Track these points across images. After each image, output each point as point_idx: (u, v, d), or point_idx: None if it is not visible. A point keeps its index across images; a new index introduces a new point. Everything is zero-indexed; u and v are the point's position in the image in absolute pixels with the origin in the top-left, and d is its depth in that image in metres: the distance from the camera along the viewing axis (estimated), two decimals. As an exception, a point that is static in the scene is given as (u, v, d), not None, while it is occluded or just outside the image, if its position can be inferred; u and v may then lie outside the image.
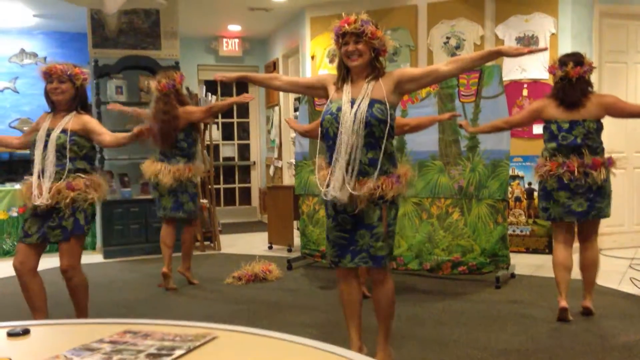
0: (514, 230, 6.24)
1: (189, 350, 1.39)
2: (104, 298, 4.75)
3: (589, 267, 3.93)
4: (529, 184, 6.24)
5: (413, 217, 5.08)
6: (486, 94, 4.84)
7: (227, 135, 9.97)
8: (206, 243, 7.11)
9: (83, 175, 3.46)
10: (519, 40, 6.29)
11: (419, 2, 6.84)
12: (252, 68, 9.69)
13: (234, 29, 8.83)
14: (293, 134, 7.07)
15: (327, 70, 7.10)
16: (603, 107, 3.78)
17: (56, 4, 6.36)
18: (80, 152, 3.49)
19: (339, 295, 3.08)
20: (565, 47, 6.08)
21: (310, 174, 3.04)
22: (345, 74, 2.87)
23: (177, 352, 1.36)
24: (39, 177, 3.41)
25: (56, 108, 3.57)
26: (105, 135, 3.52)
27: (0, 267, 5.92)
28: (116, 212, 6.55)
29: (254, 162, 10.07)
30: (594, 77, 6.15)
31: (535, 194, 6.12)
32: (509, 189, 5.94)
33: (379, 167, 2.74)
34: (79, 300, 3.60)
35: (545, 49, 2.83)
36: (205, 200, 7.12)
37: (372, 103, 2.73)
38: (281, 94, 8.72)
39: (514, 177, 6.26)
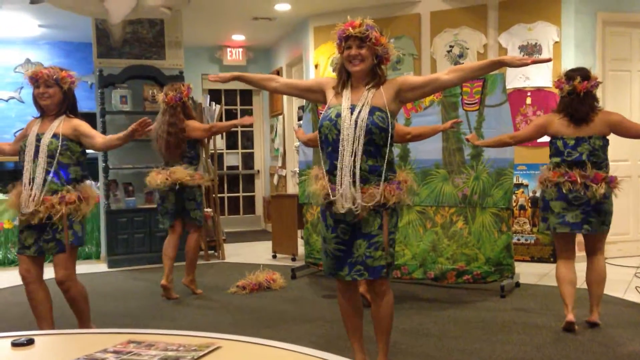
0: (518, 239, 6.23)
1: (193, 361, 1.39)
2: (107, 307, 4.75)
3: (595, 282, 3.90)
4: (534, 192, 6.23)
5: (417, 225, 5.07)
6: (490, 103, 4.84)
7: (231, 144, 9.99)
8: (210, 252, 7.11)
9: (72, 189, 3.42)
10: (522, 48, 6.29)
11: (422, 11, 6.86)
12: (256, 77, 9.70)
13: (238, 38, 8.87)
14: (297, 143, 7.08)
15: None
16: (609, 125, 3.78)
17: (61, 14, 6.40)
18: (73, 157, 3.45)
19: (339, 308, 3.03)
20: (569, 55, 6.09)
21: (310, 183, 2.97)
22: (345, 79, 2.82)
23: (181, 362, 1.36)
24: (29, 183, 3.36)
25: (45, 113, 3.51)
26: (97, 137, 3.48)
27: (5, 276, 5.93)
28: (120, 221, 6.55)
29: (258, 171, 10.08)
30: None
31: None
32: (513, 197, 5.94)
33: (383, 175, 2.70)
34: (80, 311, 3.57)
35: (549, 60, 2.78)
36: (209, 209, 7.12)
37: (372, 110, 2.69)
38: (285, 102, 8.74)
39: (518, 186, 6.25)
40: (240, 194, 10.09)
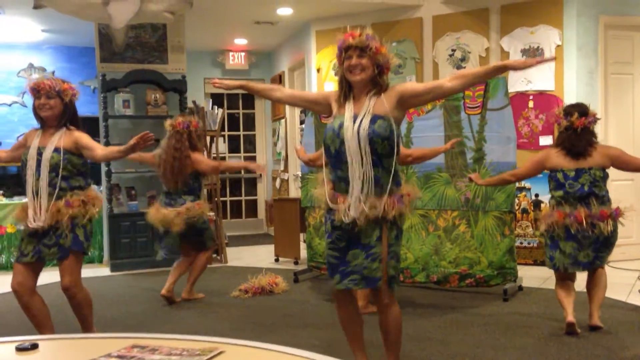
0: (521, 243, 6.22)
1: (196, 365, 1.39)
2: (111, 312, 4.75)
3: (596, 288, 3.91)
4: (536, 195, 6.22)
5: (419, 229, 5.07)
6: (492, 106, 4.84)
7: (234, 148, 10.00)
8: (213, 256, 7.11)
9: (79, 192, 3.43)
10: (524, 52, 6.30)
11: (424, 15, 6.87)
12: (258, 81, 9.71)
13: (240, 42, 8.89)
14: (299, 146, 7.08)
15: (332, 83, 7.12)
16: (608, 158, 3.80)
17: (64, 19, 6.42)
18: (74, 170, 3.45)
19: (337, 316, 2.98)
20: (571, 59, 6.09)
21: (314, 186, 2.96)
22: (347, 90, 2.79)
23: (185, 367, 1.37)
24: (33, 198, 3.36)
25: (45, 124, 3.50)
26: (97, 149, 3.46)
27: (8, 281, 5.93)
28: (123, 225, 6.56)
29: (260, 175, 10.08)
30: (600, 89, 6.19)
31: (543, 205, 6.11)
32: (516, 200, 5.94)
33: (388, 186, 2.67)
34: (84, 316, 3.56)
35: (553, 59, 2.79)
36: (211, 213, 7.13)
37: (374, 119, 2.67)
38: (287, 106, 8.75)
39: (521, 189, 6.24)
40: (243, 198, 10.10)
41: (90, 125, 7.46)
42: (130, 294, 5.41)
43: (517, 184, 5.44)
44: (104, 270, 6.58)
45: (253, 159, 10.09)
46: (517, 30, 6.35)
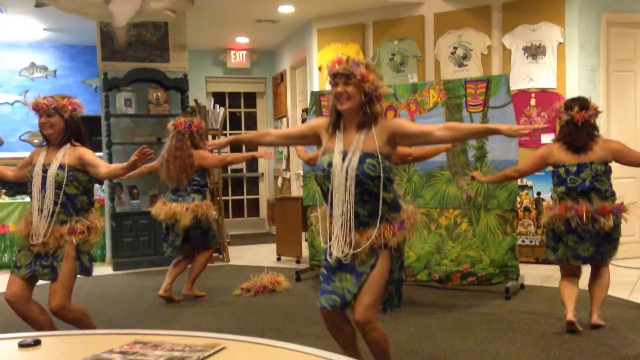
0: (523, 241, 6.22)
1: (199, 361, 1.39)
2: (113, 310, 4.76)
3: (598, 289, 3.91)
4: (538, 193, 6.22)
5: (421, 227, 5.07)
6: (494, 104, 4.84)
7: (235, 147, 9.99)
8: (215, 255, 7.11)
9: (84, 218, 3.41)
10: (526, 50, 6.29)
11: (425, 13, 6.86)
12: (259, 79, 9.75)
13: (242, 41, 8.89)
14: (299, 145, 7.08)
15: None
16: (610, 152, 3.79)
17: (66, 18, 6.42)
18: (80, 187, 3.42)
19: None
20: (573, 56, 6.09)
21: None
22: (335, 119, 2.70)
23: (187, 363, 1.37)
24: (38, 215, 3.33)
25: (49, 141, 3.48)
26: (102, 167, 3.43)
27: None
28: (125, 224, 6.57)
29: (262, 174, 10.09)
30: (602, 86, 6.18)
31: (545, 203, 6.10)
32: (518, 198, 5.93)
33: (379, 218, 2.60)
34: (82, 327, 3.47)
35: (546, 127, 2.86)
36: (214, 212, 7.12)
37: (363, 158, 2.58)
38: (289, 105, 8.76)
39: (523, 187, 6.23)
40: (245, 197, 10.10)
41: (91, 124, 7.49)
42: (132, 293, 5.42)
43: (519, 182, 5.43)
44: (106, 269, 6.59)
45: (254, 158, 10.08)
46: (518, 27, 6.34)
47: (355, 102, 2.61)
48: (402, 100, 5.11)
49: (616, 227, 3.77)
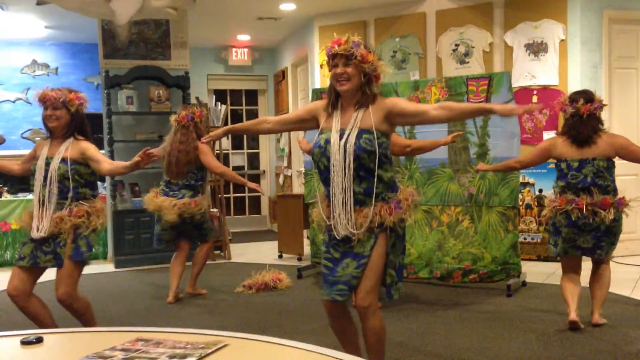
0: (525, 238, 6.21)
1: (201, 358, 1.39)
2: (115, 308, 4.77)
3: (599, 287, 3.91)
4: (540, 191, 6.21)
5: (423, 225, 5.07)
6: (495, 101, 4.83)
7: (237, 144, 10.01)
8: (216, 252, 7.12)
9: (85, 203, 3.41)
10: (528, 47, 6.28)
11: (427, 10, 6.85)
12: (261, 77, 9.74)
13: (243, 38, 8.88)
14: (301, 137, 7.10)
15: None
16: (613, 148, 3.76)
17: (67, 16, 6.43)
18: (82, 180, 3.44)
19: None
20: (575, 53, 6.08)
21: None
22: (334, 100, 2.71)
23: (189, 360, 1.37)
24: (39, 207, 3.35)
25: (53, 134, 3.48)
26: (104, 163, 3.43)
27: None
28: (127, 222, 6.58)
29: (264, 171, 10.09)
30: (604, 83, 6.17)
31: (547, 201, 6.08)
32: (520, 196, 5.92)
33: (381, 194, 2.61)
34: (86, 321, 3.52)
35: (540, 107, 2.79)
36: (215, 210, 7.14)
37: (360, 133, 2.59)
38: (290, 102, 8.76)
39: (525, 184, 6.23)
40: (246, 194, 10.11)
41: (93, 122, 7.48)
42: (134, 290, 5.43)
43: (520, 180, 5.43)
44: (108, 267, 6.60)
45: (256, 155, 10.10)
46: (520, 24, 6.33)
47: (355, 83, 2.63)
48: (404, 98, 5.10)
49: (616, 222, 3.76)
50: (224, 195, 7.55)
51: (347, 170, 2.59)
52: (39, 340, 1.57)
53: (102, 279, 5.94)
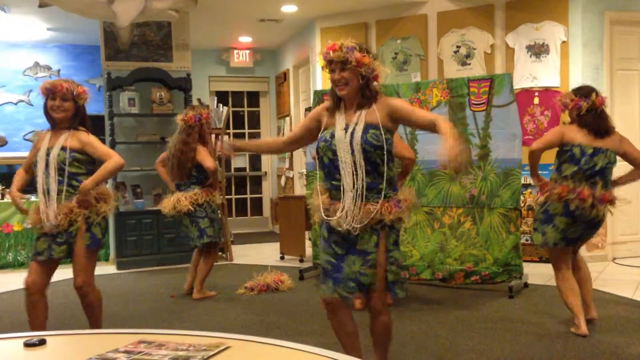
0: (526, 240, 6.20)
1: (203, 360, 1.40)
2: (117, 309, 4.77)
3: (584, 280, 3.93)
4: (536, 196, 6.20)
5: (425, 226, 5.07)
6: (497, 103, 4.83)
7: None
8: (219, 253, 7.12)
9: (91, 191, 3.44)
10: (529, 48, 6.28)
11: (428, 11, 6.85)
12: (262, 79, 9.75)
13: (245, 40, 8.89)
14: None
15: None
16: (622, 148, 3.77)
17: (69, 18, 6.44)
18: (82, 167, 3.47)
19: (331, 326, 2.88)
20: (576, 55, 6.07)
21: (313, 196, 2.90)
22: (337, 101, 2.74)
23: (191, 362, 1.37)
24: (44, 197, 3.38)
25: (56, 125, 3.50)
26: (102, 154, 3.49)
27: (15, 278, 5.96)
28: (129, 223, 6.58)
29: (266, 173, 10.10)
30: (605, 85, 6.17)
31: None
32: (521, 197, 5.92)
33: (382, 192, 2.64)
34: (95, 316, 3.57)
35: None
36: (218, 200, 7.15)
37: (366, 128, 2.62)
38: (292, 104, 8.76)
39: (526, 186, 6.22)
40: (248, 196, 10.11)
41: (95, 124, 7.48)
42: (136, 292, 5.43)
43: (522, 181, 5.42)
44: (110, 268, 6.60)
45: (258, 157, 10.10)
46: (522, 26, 6.33)
47: (353, 87, 2.67)
48: (405, 99, 5.11)
49: (604, 217, 3.78)
50: (226, 196, 7.55)
51: (357, 164, 2.62)
52: (42, 342, 1.57)
53: (104, 280, 5.93)
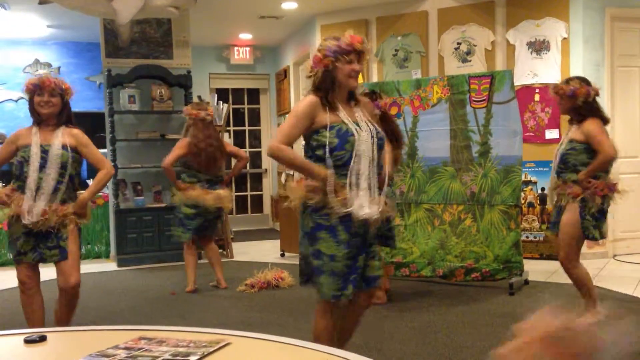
0: (527, 237, 6.21)
1: (203, 356, 1.40)
2: (117, 306, 4.78)
3: None
4: (542, 189, 6.20)
5: (425, 223, 5.07)
6: (497, 99, 4.83)
7: (239, 143, 10.00)
8: (219, 251, 7.13)
9: (73, 193, 3.47)
10: (530, 45, 6.27)
11: (429, 8, 6.85)
12: (263, 76, 9.74)
13: (245, 37, 8.88)
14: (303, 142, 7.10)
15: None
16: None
17: (69, 15, 6.43)
18: (78, 167, 3.50)
19: (321, 331, 2.78)
20: (577, 52, 6.07)
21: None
22: (329, 94, 2.67)
23: (192, 358, 1.38)
24: (34, 195, 3.33)
25: (42, 122, 3.45)
26: (96, 159, 3.54)
27: (14, 275, 5.96)
28: (129, 221, 6.58)
29: (266, 170, 10.10)
30: (606, 81, 6.16)
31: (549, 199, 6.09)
32: (522, 194, 5.92)
33: (384, 186, 2.75)
34: (70, 315, 3.53)
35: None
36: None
37: (374, 126, 2.74)
38: (292, 101, 8.76)
39: (527, 183, 6.22)
40: (248, 193, 10.11)
41: (95, 121, 7.50)
42: (136, 289, 5.44)
43: (523, 178, 5.42)
44: (110, 265, 6.61)
45: (258, 154, 10.10)
46: (523, 23, 6.32)
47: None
48: (406, 97, 5.11)
49: None
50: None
51: (373, 160, 2.66)
52: (43, 338, 1.57)
53: (104, 277, 5.95)
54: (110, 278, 5.94)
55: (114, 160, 6.56)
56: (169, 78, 6.77)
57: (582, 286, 3.80)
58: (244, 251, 7.38)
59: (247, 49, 9.33)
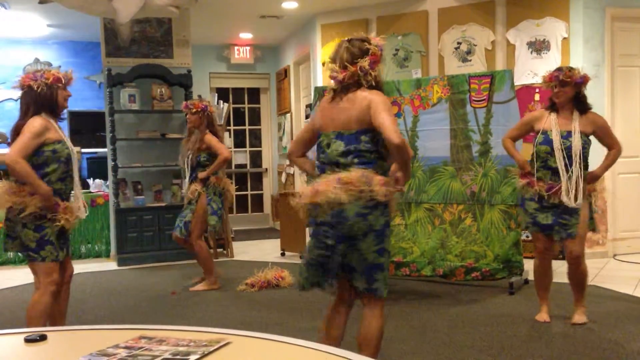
0: (527, 236, 6.19)
1: (204, 355, 1.40)
2: (118, 305, 4.78)
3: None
4: (542, 189, 6.19)
5: (425, 223, 5.07)
6: (497, 99, 4.83)
7: (239, 142, 10.01)
8: (219, 250, 7.13)
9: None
10: (530, 45, 6.27)
11: (429, 8, 6.84)
12: (263, 75, 9.74)
13: (246, 36, 8.88)
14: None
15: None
16: None
17: (70, 14, 6.43)
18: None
19: (380, 329, 2.81)
20: (577, 51, 6.06)
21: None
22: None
23: (192, 357, 1.38)
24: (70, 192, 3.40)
25: (57, 117, 3.38)
26: None
27: (17, 274, 5.97)
28: (130, 220, 6.59)
29: (266, 169, 10.10)
30: (606, 80, 6.16)
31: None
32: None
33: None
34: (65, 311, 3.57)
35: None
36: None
37: None
38: (292, 100, 8.76)
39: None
40: (249, 192, 10.11)
41: (96, 120, 7.50)
42: (137, 288, 5.44)
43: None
44: (110, 265, 6.61)
45: (259, 153, 10.11)
46: (523, 22, 6.32)
47: None
48: (406, 96, 5.10)
49: None
50: (227, 193, 7.54)
51: None
52: (43, 337, 1.57)
53: (104, 276, 5.95)
54: (111, 277, 5.95)
55: (114, 160, 6.56)
56: (169, 77, 6.77)
57: (584, 281, 3.89)
58: (244, 250, 7.39)
59: (248, 48, 9.34)
